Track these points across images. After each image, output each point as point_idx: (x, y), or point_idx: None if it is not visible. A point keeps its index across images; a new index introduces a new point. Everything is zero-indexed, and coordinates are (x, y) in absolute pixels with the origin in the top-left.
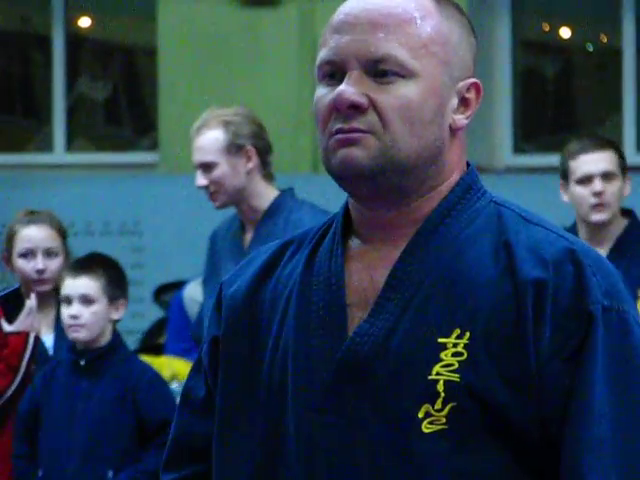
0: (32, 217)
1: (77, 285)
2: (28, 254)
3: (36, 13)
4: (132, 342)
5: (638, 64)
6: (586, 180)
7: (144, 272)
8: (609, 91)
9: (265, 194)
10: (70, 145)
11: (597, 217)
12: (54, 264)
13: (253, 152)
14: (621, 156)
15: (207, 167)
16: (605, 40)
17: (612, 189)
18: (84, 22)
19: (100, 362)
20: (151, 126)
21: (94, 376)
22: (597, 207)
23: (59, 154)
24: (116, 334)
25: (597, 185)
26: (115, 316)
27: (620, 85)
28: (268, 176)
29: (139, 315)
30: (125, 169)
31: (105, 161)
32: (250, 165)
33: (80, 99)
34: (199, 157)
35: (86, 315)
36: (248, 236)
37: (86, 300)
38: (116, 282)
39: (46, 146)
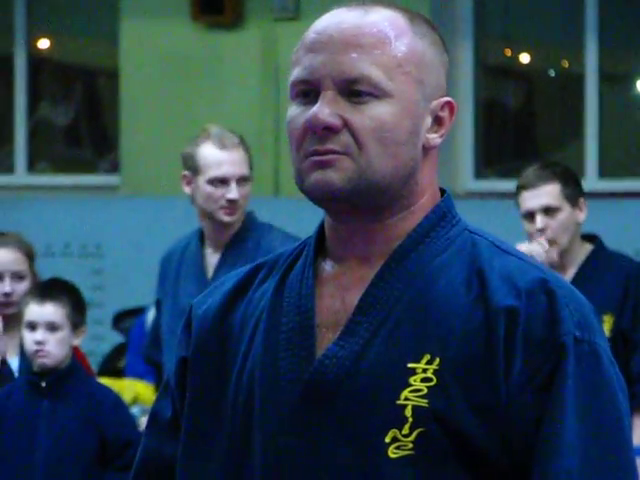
0: (0, 240)
1: (44, 312)
2: None
3: None
4: (92, 364)
5: (600, 90)
6: (529, 216)
7: (104, 294)
8: (571, 117)
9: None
10: (31, 167)
11: (548, 255)
12: (21, 287)
13: (252, 176)
14: (568, 184)
15: (242, 181)
16: (567, 65)
17: (555, 223)
18: (45, 44)
19: (61, 383)
20: (112, 148)
21: (55, 397)
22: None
23: (20, 176)
24: (74, 357)
25: (538, 222)
26: (76, 342)
27: (582, 111)
28: None
29: (99, 338)
30: (86, 191)
31: (66, 183)
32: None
33: (41, 121)
34: (239, 170)
35: (52, 342)
36: (210, 256)
37: (52, 327)
38: (79, 309)
39: (7, 168)
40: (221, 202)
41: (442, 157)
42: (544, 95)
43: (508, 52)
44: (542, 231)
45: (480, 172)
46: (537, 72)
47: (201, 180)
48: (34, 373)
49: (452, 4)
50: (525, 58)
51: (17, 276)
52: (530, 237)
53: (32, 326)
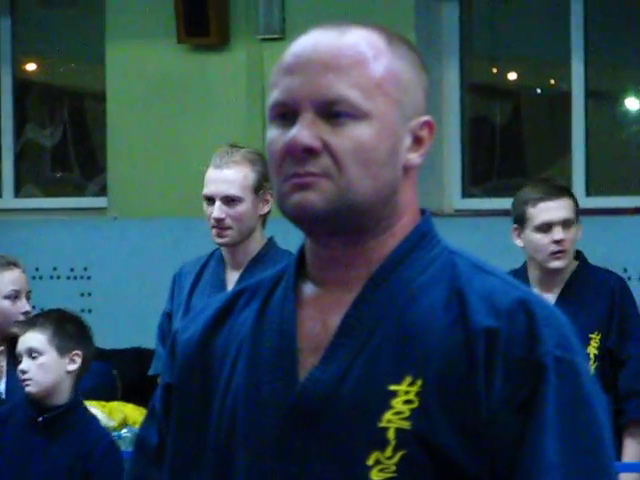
0: (10, 260)
1: (24, 340)
2: (14, 296)
3: None
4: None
5: (587, 107)
6: (546, 227)
7: (92, 317)
8: (558, 135)
9: (259, 239)
10: (19, 190)
11: (557, 264)
12: (30, 307)
13: (270, 197)
14: (576, 202)
15: (230, 201)
16: (554, 83)
17: (570, 236)
18: (31, 66)
19: (57, 422)
20: (100, 170)
21: (50, 435)
22: (557, 254)
23: (7, 199)
24: (76, 393)
25: (558, 233)
26: (70, 367)
27: (569, 128)
28: (264, 222)
29: None
30: (74, 213)
31: (54, 206)
32: (266, 209)
33: (28, 143)
34: (224, 189)
35: (33, 368)
36: (230, 275)
37: (31, 353)
38: (66, 333)
39: None
40: (211, 222)
41: (429, 176)
42: (531, 113)
43: (494, 70)
44: (560, 243)
45: (467, 191)
46: (524, 90)
47: None
48: (31, 406)
49: (438, 23)
50: (512, 76)
51: (28, 297)
52: (540, 249)
53: (19, 357)
